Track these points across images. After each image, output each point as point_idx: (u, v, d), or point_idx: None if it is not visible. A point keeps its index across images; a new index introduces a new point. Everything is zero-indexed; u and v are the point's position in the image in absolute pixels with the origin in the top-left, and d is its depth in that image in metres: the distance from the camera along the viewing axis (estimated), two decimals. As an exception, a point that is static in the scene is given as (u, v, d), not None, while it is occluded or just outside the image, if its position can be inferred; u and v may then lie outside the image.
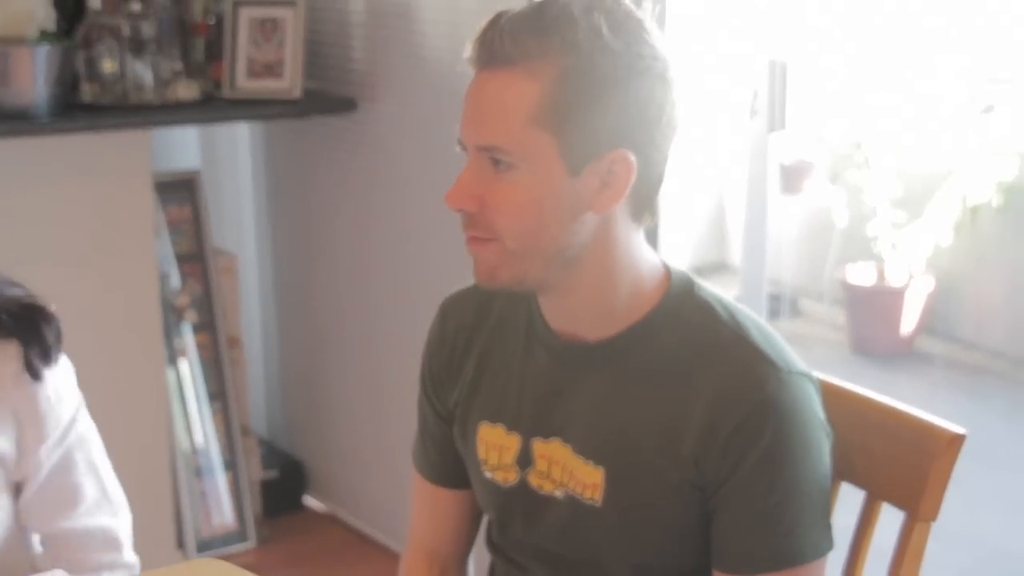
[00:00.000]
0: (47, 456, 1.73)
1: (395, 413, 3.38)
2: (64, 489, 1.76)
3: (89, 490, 1.78)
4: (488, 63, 1.43)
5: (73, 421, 1.76)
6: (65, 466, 1.76)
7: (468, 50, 1.45)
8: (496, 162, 1.43)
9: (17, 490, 1.76)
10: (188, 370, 3.53)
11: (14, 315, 1.71)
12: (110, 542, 1.80)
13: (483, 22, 1.45)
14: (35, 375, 1.70)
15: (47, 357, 1.72)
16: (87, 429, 1.79)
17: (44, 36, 3.07)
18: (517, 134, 1.41)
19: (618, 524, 1.51)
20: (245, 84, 3.37)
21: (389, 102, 3.33)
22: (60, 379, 1.75)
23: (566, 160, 1.42)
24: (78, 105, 3.15)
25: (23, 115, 3.00)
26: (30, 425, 1.71)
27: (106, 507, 1.80)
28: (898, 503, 1.57)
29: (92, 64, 3.16)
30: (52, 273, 2.48)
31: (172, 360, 3.49)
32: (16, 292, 1.74)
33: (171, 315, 3.49)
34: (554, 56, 1.40)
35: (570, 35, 1.40)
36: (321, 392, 3.78)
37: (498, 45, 1.42)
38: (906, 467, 1.55)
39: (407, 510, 1.78)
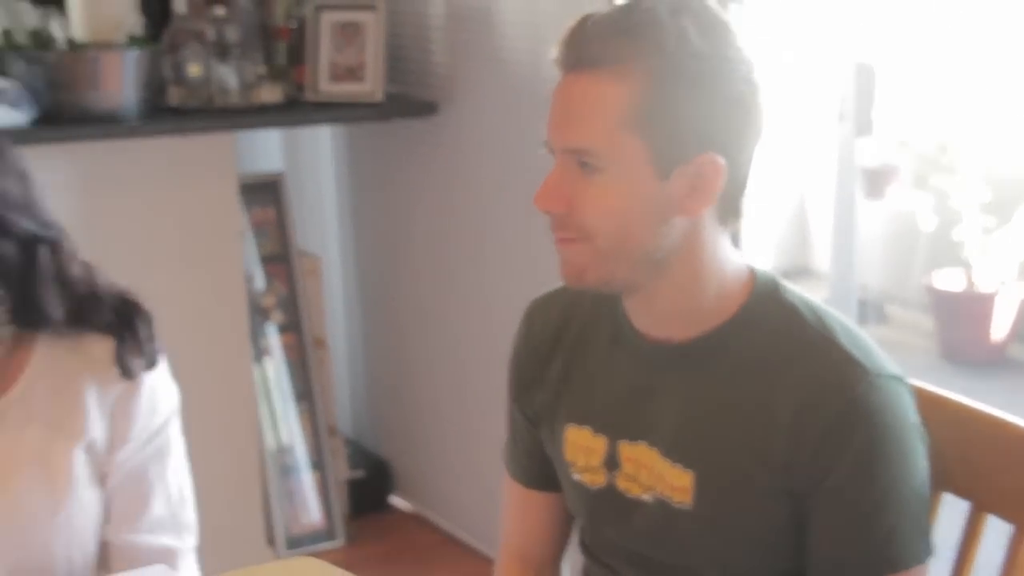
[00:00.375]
0: (123, 460, 1.73)
1: (480, 413, 3.38)
2: (132, 499, 1.74)
3: (156, 506, 1.75)
4: (575, 65, 1.43)
5: (157, 433, 1.75)
6: (137, 476, 1.74)
7: (554, 52, 1.45)
8: (584, 164, 1.43)
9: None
10: (274, 370, 3.55)
11: (116, 310, 1.72)
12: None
13: (569, 24, 1.44)
14: (127, 372, 1.71)
15: (140, 355, 1.72)
16: (170, 443, 1.77)
17: (132, 41, 3.11)
18: (606, 137, 1.41)
19: (709, 528, 1.50)
20: (327, 87, 3.40)
21: (470, 105, 3.34)
22: (158, 386, 1.75)
23: (655, 164, 1.41)
24: (165, 108, 3.19)
25: (112, 118, 3.05)
26: (120, 425, 1.72)
27: (170, 526, 1.77)
28: (1006, 516, 1.52)
29: (178, 68, 3.20)
30: (140, 274, 2.47)
31: (258, 360, 3.51)
32: (119, 289, 1.75)
33: (256, 316, 3.52)
34: (642, 59, 1.39)
35: (658, 38, 1.40)
36: (407, 393, 3.79)
37: (585, 47, 1.42)
38: (1013, 479, 1.50)
39: (494, 511, 1.78)
